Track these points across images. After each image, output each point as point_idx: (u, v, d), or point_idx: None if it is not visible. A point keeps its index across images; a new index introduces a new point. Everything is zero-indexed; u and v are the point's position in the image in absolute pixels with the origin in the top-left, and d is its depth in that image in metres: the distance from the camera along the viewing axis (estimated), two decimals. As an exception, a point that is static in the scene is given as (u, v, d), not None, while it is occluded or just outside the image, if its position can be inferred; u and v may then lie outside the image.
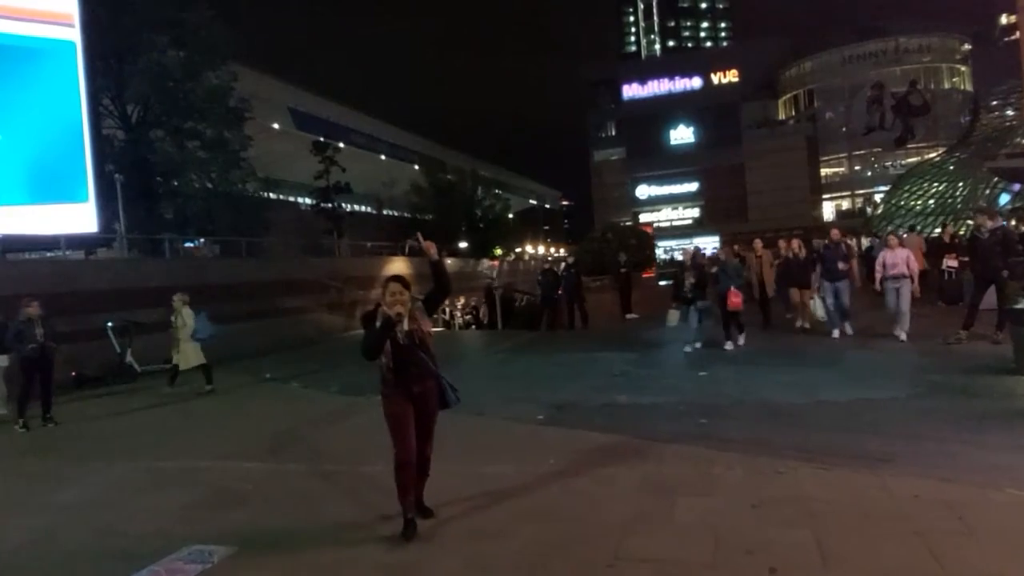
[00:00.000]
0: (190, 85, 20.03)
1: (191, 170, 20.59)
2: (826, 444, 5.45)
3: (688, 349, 10.50)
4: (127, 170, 19.30)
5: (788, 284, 11.81)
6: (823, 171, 62.26)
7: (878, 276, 10.34)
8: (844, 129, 60.18)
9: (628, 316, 16.60)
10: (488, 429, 6.80)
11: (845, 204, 61.67)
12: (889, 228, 28.75)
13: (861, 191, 60.35)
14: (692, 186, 66.27)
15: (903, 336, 9.90)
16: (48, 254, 15.74)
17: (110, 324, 13.14)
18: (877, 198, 49.94)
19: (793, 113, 64.69)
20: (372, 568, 3.83)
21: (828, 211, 61.58)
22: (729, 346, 10.49)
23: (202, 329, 10.84)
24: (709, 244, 47.48)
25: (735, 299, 10.33)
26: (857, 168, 61.13)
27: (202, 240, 22.05)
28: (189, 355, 10.80)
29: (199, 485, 5.63)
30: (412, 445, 4.17)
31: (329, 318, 20.64)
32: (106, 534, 4.64)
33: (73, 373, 11.94)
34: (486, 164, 56.48)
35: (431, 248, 4.28)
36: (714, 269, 11.01)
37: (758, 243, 13.12)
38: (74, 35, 15.22)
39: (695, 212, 66.80)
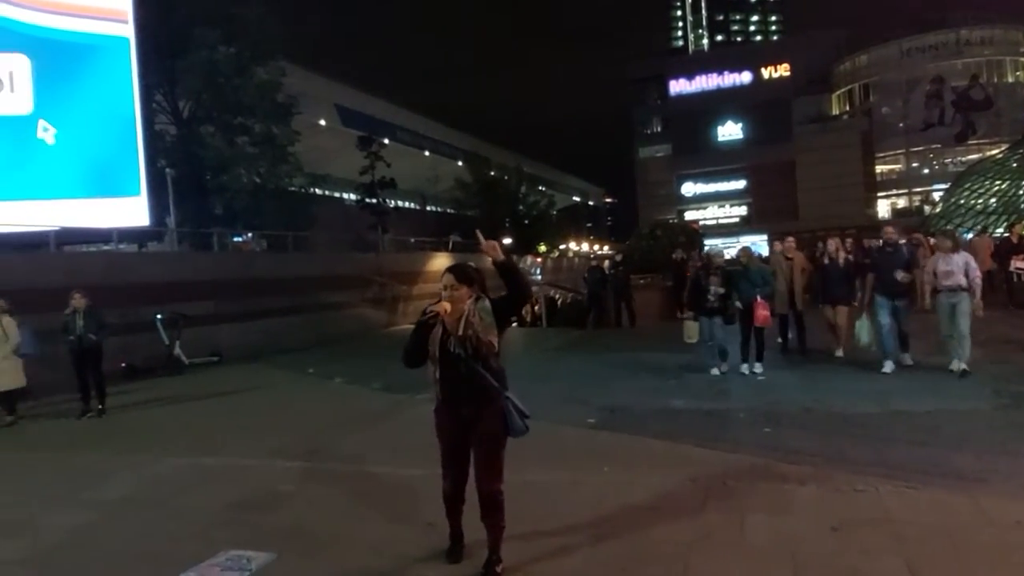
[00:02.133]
0: (239, 81, 20.21)
1: (240, 165, 20.80)
2: (907, 459, 5.00)
3: (716, 372, 8.67)
4: (178, 165, 19.62)
5: (823, 298, 9.31)
6: (878, 168, 60.06)
7: (927, 288, 8.32)
8: (901, 125, 57.88)
9: (683, 316, 16.07)
10: (536, 433, 6.42)
11: (901, 202, 59.39)
12: (948, 227, 27.43)
13: (918, 189, 58.00)
14: (739, 183, 64.71)
15: (961, 366, 7.58)
16: (104, 247, 16.04)
17: (159, 316, 13.29)
18: (936, 196, 47.91)
19: (847, 108, 62.53)
20: (417, 583, 3.57)
21: (883, 209, 59.40)
22: (745, 369, 8.61)
23: (27, 343, 8.76)
24: (757, 243, 46.28)
25: (763, 311, 8.35)
26: (914, 165, 58.76)
27: (250, 235, 22.29)
28: (6, 374, 8.57)
29: (241, 484, 5.47)
30: (457, 477, 3.56)
31: (372, 313, 20.65)
32: (145, 534, 4.49)
33: (123, 364, 12.09)
34: (530, 161, 56.15)
35: (493, 247, 3.36)
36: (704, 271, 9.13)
37: (790, 242, 10.18)
38: (128, 31, 15.46)
39: (742, 210, 65.23)
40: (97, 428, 8.33)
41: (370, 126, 35.53)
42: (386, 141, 35.91)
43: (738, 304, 8.44)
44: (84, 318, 8.64)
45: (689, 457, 5.36)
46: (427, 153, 46.99)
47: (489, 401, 3.41)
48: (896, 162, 59.88)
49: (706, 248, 9.92)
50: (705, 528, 3.99)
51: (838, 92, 62.91)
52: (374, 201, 33.54)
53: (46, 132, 14.38)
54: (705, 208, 66.00)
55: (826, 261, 9.35)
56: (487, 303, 3.44)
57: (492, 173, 45.74)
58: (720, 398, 7.52)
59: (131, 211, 15.48)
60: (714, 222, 63.61)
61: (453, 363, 3.39)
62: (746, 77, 64.52)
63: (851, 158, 58.08)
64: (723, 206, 66.05)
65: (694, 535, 3.89)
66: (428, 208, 48.69)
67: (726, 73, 65.26)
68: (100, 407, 8.86)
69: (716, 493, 4.53)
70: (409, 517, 4.43)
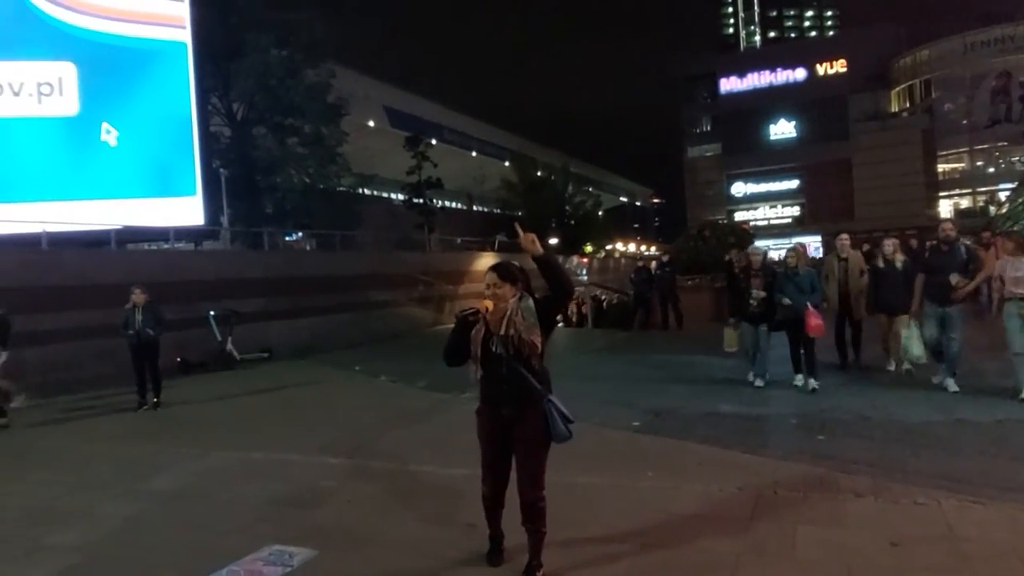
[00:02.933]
0: (291, 83, 20.67)
1: (290, 165, 21.27)
2: (973, 472, 4.73)
3: (760, 384, 7.95)
4: (232, 165, 20.16)
5: (877, 307, 8.31)
6: (940, 167, 57.76)
7: (996, 297, 7.13)
8: (965, 121, 55.54)
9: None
10: (578, 435, 6.34)
11: (964, 202, 56.96)
12: (1015, 228, 26.13)
13: (983, 188, 55.49)
14: (792, 183, 63.09)
15: None
16: (162, 245, 16.57)
17: (212, 313, 13.64)
18: (1002, 196, 45.76)
19: (907, 105, 60.32)
20: (456, 585, 3.53)
21: (945, 210, 57.08)
22: (798, 381, 7.81)
23: None
24: (810, 244, 45.00)
25: (815, 320, 7.43)
26: (979, 163, 56.27)
27: (299, 234, 22.76)
28: None
29: (285, 480, 5.54)
30: (496, 481, 3.48)
31: (418, 312, 20.81)
32: (191, 527, 4.58)
33: (178, 359, 12.44)
34: (577, 161, 55.87)
35: (532, 241, 3.30)
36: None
37: (844, 239, 8.87)
38: (185, 36, 15.96)
39: (795, 211, 63.56)
40: (152, 421, 8.57)
41: (417, 127, 35.91)
42: (433, 141, 36.25)
43: (786, 301, 7.55)
44: (143, 313, 8.89)
45: (737, 464, 5.19)
46: (474, 153, 47.25)
47: (531, 403, 3.31)
48: (959, 160, 57.50)
49: (749, 248, 8.74)
50: (754, 539, 3.84)
51: (897, 88, 60.74)
52: (421, 201, 33.89)
53: (108, 134, 14.94)
54: (756, 208, 64.58)
55: (881, 264, 8.20)
56: (531, 303, 3.34)
57: (538, 173, 45.70)
58: (771, 403, 7.28)
59: (187, 210, 15.98)
60: (765, 223, 62.19)
61: (495, 363, 3.31)
62: (800, 74, 62.86)
63: (911, 156, 56.05)
64: (775, 206, 64.50)
65: (743, 546, 3.75)
66: (474, 208, 48.95)
67: (779, 70, 63.69)
68: (156, 400, 9.12)
69: (766, 502, 4.36)
70: (450, 517, 4.40)
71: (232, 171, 19.90)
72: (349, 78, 26.59)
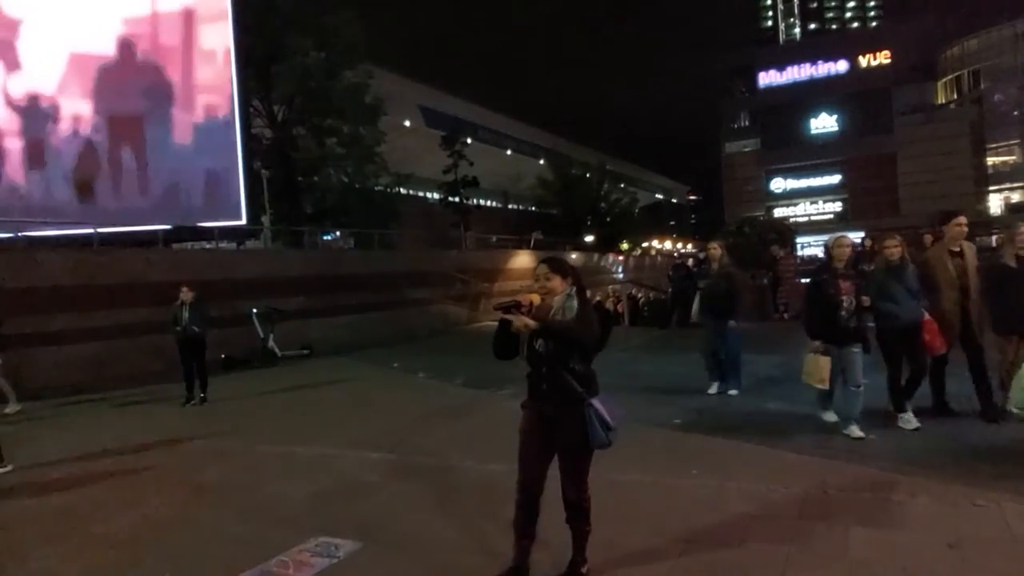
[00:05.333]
0: (329, 84, 20.95)
1: (329, 165, 21.57)
2: (1034, 474, 4.55)
3: (860, 435, 5.48)
4: (273, 166, 20.52)
5: (1003, 324, 5.58)
6: (989, 160, 55.96)
7: None
8: (1016, 113, 53.71)
9: (784, 315, 15.39)
10: (619, 432, 6.34)
11: (1016, 196, 55.02)
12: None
13: (1036, 182, 53.66)
14: (834, 178, 61.76)
15: None
16: (207, 244, 16.95)
17: (255, 310, 13.91)
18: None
19: (955, 96, 58.59)
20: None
21: (995, 204, 55.25)
22: (908, 422, 5.70)
23: None
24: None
25: (934, 337, 5.63)
26: (1032, 156, 54.38)
27: (338, 233, 23.06)
28: None
29: (328, 474, 5.61)
30: (532, 477, 3.34)
31: (455, 309, 20.91)
32: (239, 518, 4.67)
33: (223, 355, 12.72)
34: (612, 158, 55.51)
35: (524, 325, 3.13)
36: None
37: (960, 223, 5.99)
38: (228, 40, 16.25)
39: (837, 206, 62.21)
40: (199, 415, 8.78)
41: (453, 126, 36.07)
42: (469, 140, 36.39)
43: (892, 309, 5.58)
44: (190, 311, 9.10)
45: (785, 463, 5.08)
46: (509, 152, 47.27)
47: (570, 405, 3.19)
48: (1010, 153, 55.61)
49: (833, 238, 5.76)
50: (804, 539, 3.75)
51: (944, 79, 59.04)
52: (457, 200, 34.05)
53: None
54: (796, 204, 63.41)
55: (1012, 263, 5.51)
56: (575, 303, 3.22)
57: (574, 171, 45.52)
58: (819, 402, 7.10)
59: (230, 210, 16.31)
60: (806, 219, 61.01)
61: (538, 360, 3.24)
62: (842, 66, 61.50)
63: (959, 149, 54.47)
64: (815, 202, 63.25)
65: (792, 546, 3.67)
66: (510, 206, 48.99)
67: (820, 63, 62.41)
68: (202, 395, 9.33)
69: (816, 502, 4.26)
70: (492, 513, 4.39)
71: (273, 172, 20.26)
72: (386, 79, 26.83)
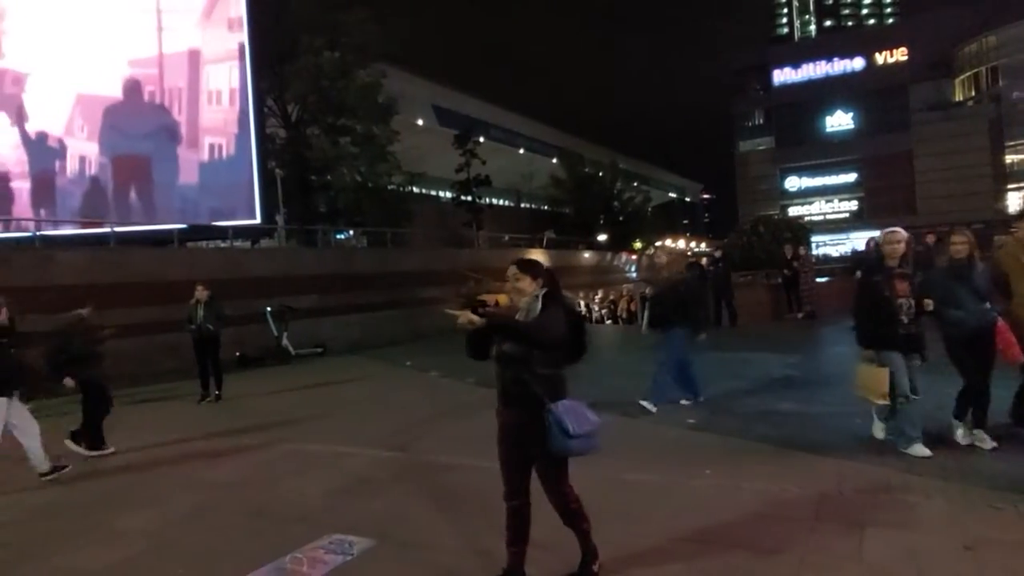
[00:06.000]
0: (343, 83, 21.02)
1: (342, 164, 21.64)
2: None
3: (926, 453, 4.93)
4: (286, 165, 20.63)
5: None
6: (1008, 158, 55.08)
7: None
8: (1036, 110, 52.90)
9: (797, 315, 15.24)
10: (632, 430, 6.35)
11: (1035, 195, 54.29)
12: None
13: (1056, 181, 52.87)
14: (850, 176, 61.19)
15: None
16: (221, 244, 17.09)
17: (268, 309, 14.00)
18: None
19: (973, 93, 57.75)
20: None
21: (1014, 203, 54.46)
22: (962, 435, 5.20)
23: None
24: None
25: (1009, 345, 5.00)
26: (1051, 154, 53.59)
27: (351, 231, 23.15)
28: None
29: (342, 471, 5.64)
30: (511, 487, 3.25)
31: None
32: (253, 515, 4.71)
33: (237, 353, 12.82)
34: (625, 157, 55.31)
35: (468, 321, 3.08)
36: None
37: None
38: (243, 40, 16.38)
39: (852, 205, 61.62)
40: (214, 412, 8.85)
41: (465, 124, 36.06)
42: (481, 139, 36.37)
43: (958, 313, 4.99)
44: (205, 309, 9.19)
45: (799, 463, 5.05)
46: (521, 151, 47.20)
47: (533, 410, 3.07)
48: (1030, 151, 54.77)
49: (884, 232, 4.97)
50: (819, 539, 3.73)
51: (962, 76, 58.23)
52: (469, 198, 34.06)
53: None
54: (811, 203, 62.86)
55: None
56: (538, 307, 3.12)
57: (587, 170, 45.39)
58: (834, 401, 7.02)
59: (244, 209, 16.43)
60: (821, 218, 60.49)
61: (504, 362, 3.15)
62: (858, 63, 60.91)
63: (977, 147, 53.77)
64: (831, 200, 62.69)
65: (806, 547, 3.65)
66: (522, 205, 48.94)
67: (836, 60, 61.84)
68: (217, 393, 9.42)
69: (830, 503, 4.23)
70: (502, 511, 4.39)
71: (287, 171, 20.37)
72: (399, 78, 26.88)
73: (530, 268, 3.23)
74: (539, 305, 3.14)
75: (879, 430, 5.49)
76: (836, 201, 62.53)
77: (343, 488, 5.19)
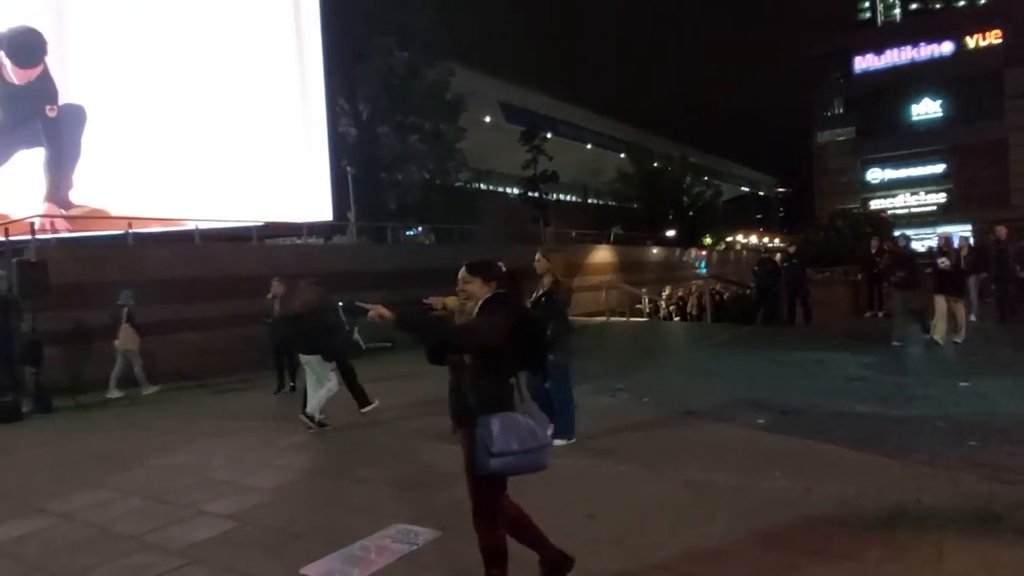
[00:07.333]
0: (412, 82, 21.44)
1: (411, 162, 22.09)
2: None
3: None
4: (358, 164, 21.20)
5: None
6: (1114, 146, 51.05)
7: None
8: None
9: (878, 314, 14.59)
10: (698, 430, 6.24)
11: None
12: None
13: None
14: (937, 167, 57.98)
15: None
16: (296, 240, 17.70)
17: (340, 304, 14.43)
18: None
19: (1076, 77, 53.69)
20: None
21: (1120, 194, 50.41)
22: None
23: None
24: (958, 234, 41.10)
25: None
26: None
27: (420, 228, 23.59)
28: None
29: (410, 462, 5.79)
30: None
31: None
32: (324, 502, 4.90)
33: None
34: (695, 151, 54.16)
35: (380, 315, 3.03)
36: None
37: None
38: (316, 40, 16.89)
39: (940, 197, 58.36)
40: (289, 403, 9.20)
41: (532, 121, 36.12)
42: (548, 135, 36.36)
43: None
44: (281, 304, 9.57)
45: (875, 468, 4.86)
46: (589, 146, 46.92)
47: (465, 421, 2.92)
48: None
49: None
50: (894, 547, 3.59)
51: (1063, 59, 54.16)
52: (536, 195, 34.13)
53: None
54: (894, 196, 59.95)
55: None
56: (475, 310, 2.97)
57: (655, 164, 44.74)
58: (914, 404, 6.74)
59: (318, 207, 16.97)
60: (905, 211, 57.64)
61: (449, 368, 3.02)
62: (947, 48, 57.61)
63: (1080, 135, 49.95)
64: (916, 193, 59.58)
65: (881, 553, 3.52)
66: (589, 201, 48.65)
67: (922, 45, 58.66)
68: (292, 385, 9.79)
69: (907, 510, 4.06)
70: (568, 507, 4.41)
71: (358, 169, 20.94)
72: (466, 75, 27.18)
73: (481, 270, 3.03)
74: (476, 309, 2.97)
75: None
76: (922, 193, 59.39)
77: (410, 478, 5.33)
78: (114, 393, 10.02)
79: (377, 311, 2.97)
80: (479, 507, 3.00)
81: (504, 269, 3.12)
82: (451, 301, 3.07)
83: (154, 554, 4.08)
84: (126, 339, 10.07)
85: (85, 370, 10.74)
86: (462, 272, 3.04)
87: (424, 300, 3.12)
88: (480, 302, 2.98)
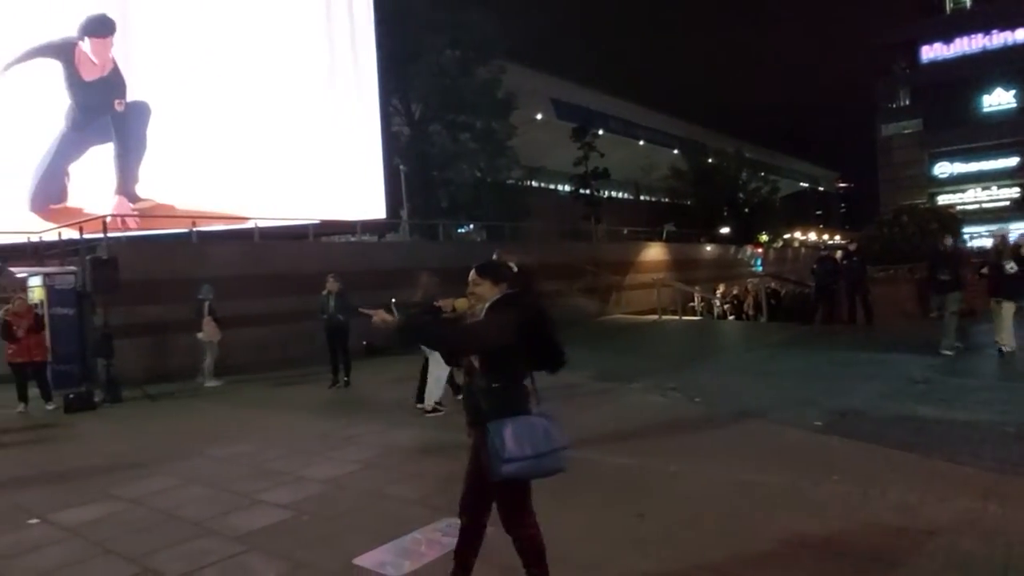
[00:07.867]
0: (464, 81, 21.60)
1: (463, 160, 22.28)
2: None
3: None
4: (410, 162, 21.51)
5: None
6: None
7: None
8: None
9: (937, 314, 14.01)
10: (751, 431, 6.12)
11: None
12: None
13: None
14: (1010, 161, 55.08)
15: None
16: (351, 238, 18.07)
17: (393, 300, 14.66)
18: None
19: None
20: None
21: None
22: None
23: None
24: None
25: None
26: None
27: (471, 225, 23.77)
28: None
29: (458, 458, 5.81)
30: (465, 498, 3.12)
31: (584, 301, 20.90)
32: (376, 496, 5.00)
33: (364, 343, 13.53)
34: (752, 145, 52.91)
35: (382, 320, 2.90)
36: None
37: None
38: (371, 43, 17.21)
39: (1013, 192, 55.46)
40: (344, 397, 9.44)
41: (584, 118, 35.93)
42: (600, 132, 36.12)
43: None
44: (335, 300, 9.79)
45: (940, 473, 4.68)
46: (641, 142, 46.40)
47: (479, 425, 2.85)
48: None
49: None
50: (959, 555, 3.45)
51: None
52: (587, 192, 33.95)
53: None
54: (964, 191, 57.26)
55: None
56: (483, 310, 2.92)
57: (709, 160, 43.90)
58: (981, 408, 6.45)
59: (372, 205, 17.31)
60: (975, 207, 54.99)
61: (465, 371, 2.96)
62: (1020, 35, 54.65)
63: None
64: (987, 188, 56.78)
65: (945, 561, 3.39)
66: (641, 198, 48.12)
67: (995, 32, 55.81)
68: (346, 379, 10.02)
69: (975, 517, 3.89)
70: (618, 506, 4.40)
71: (410, 167, 21.23)
72: (517, 73, 27.23)
73: (490, 272, 2.99)
74: (484, 310, 2.93)
75: None
76: (994, 188, 56.57)
77: (461, 474, 5.36)
78: (211, 382, 10.49)
79: (380, 316, 2.90)
80: (505, 509, 3.02)
81: (516, 270, 3.09)
82: (461, 303, 2.98)
83: (215, 540, 4.25)
84: (209, 331, 10.56)
85: (154, 362, 11.24)
86: (472, 274, 3.01)
87: (434, 304, 3.09)
88: (488, 303, 2.94)
